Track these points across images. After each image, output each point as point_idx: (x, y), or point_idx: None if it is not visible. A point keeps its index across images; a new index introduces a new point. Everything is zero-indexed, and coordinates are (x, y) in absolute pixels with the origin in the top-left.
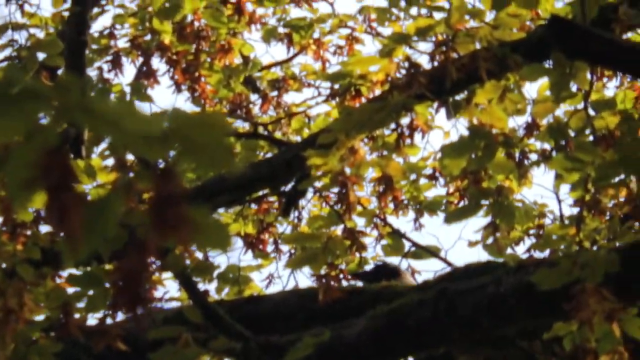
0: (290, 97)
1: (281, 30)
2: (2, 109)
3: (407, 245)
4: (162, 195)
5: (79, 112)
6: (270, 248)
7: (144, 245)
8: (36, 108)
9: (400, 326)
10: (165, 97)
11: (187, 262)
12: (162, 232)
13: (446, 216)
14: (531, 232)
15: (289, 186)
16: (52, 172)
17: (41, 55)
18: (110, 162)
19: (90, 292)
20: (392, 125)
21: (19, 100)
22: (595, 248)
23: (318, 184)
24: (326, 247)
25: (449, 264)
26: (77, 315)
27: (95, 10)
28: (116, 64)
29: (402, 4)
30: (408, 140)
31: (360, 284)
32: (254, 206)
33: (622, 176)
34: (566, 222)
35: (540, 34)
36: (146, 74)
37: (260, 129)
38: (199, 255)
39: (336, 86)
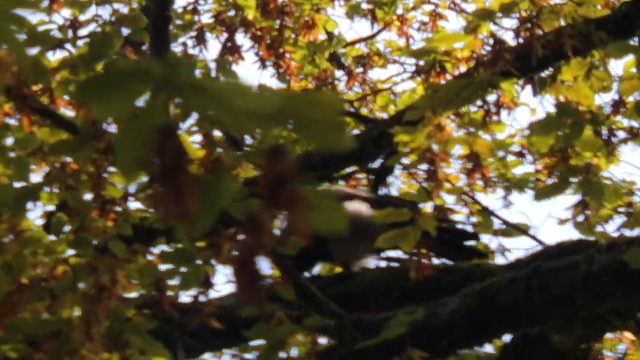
0: (375, 74)
1: (365, 6)
2: (108, 88)
3: (496, 223)
4: (275, 174)
5: (189, 90)
6: None
7: (259, 224)
8: (143, 87)
9: (492, 305)
10: (251, 73)
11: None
12: (277, 211)
13: (535, 193)
14: (620, 210)
15: (377, 163)
16: (165, 152)
17: (125, 31)
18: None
19: (183, 269)
20: (479, 102)
21: (126, 79)
22: None
23: (406, 161)
24: (416, 225)
25: (539, 241)
26: (170, 293)
27: None
28: (200, 40)
29: None
30: (495, 117)
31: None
32: (342, 183)
33: None
34: None
35: (625, 11)
36: (230, 50)
37: (347, 106)
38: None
39: (421, 62)
